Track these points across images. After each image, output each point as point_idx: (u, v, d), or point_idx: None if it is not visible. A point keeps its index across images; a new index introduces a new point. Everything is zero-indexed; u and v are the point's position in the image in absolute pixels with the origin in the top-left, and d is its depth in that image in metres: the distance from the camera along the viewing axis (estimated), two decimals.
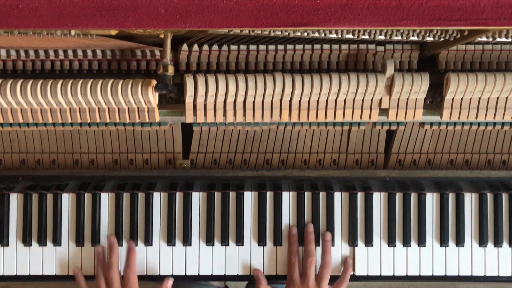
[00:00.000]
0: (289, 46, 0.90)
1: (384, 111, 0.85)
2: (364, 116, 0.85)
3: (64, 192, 1.05)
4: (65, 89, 0.79)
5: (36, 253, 1.04)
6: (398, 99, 0.83)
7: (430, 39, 0.80)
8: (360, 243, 1.05)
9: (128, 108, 0.83)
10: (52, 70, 0.91)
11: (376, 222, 1.05)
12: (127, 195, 1.05)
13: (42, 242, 1.04)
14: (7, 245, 1.05)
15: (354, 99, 0.83)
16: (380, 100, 0.84)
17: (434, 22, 0.68)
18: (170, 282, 1.02)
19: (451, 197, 1.05)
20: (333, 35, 0.79)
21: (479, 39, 0.81)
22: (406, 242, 1.04)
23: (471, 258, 1.05)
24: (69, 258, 1.05)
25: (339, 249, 1.05)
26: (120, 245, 1.04)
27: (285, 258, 1.04)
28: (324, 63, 0.91)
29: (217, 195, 1.05)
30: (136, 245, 1.04)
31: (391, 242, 1.04)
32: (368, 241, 1.04)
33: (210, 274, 1.05)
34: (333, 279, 1.03)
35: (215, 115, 0.84)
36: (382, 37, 0.80)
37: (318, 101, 0.83)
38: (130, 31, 0.77)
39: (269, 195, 1.05)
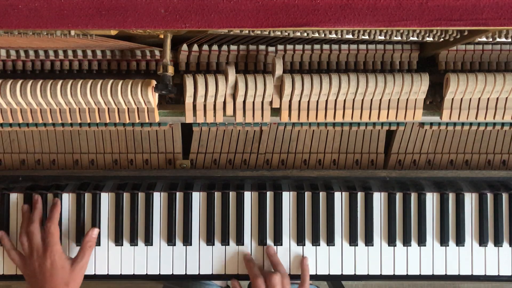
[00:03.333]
0: (289, 46, 0.90)
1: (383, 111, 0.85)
2: (364, 116, 0.85)
3: (64, 192, 1.05)
4: (65, 89, 0.79)
5: None
6: (398, 99, 0.83)
7: (430, 39, 0.80)
8: (361, 243, 1.05)
9: (128, 108, 0.83)
10: (52, 70, 0.91)
11: (376, 222, 1.05)
12: (127, 195, 1.05)
13: None
14: None
15: (354, 99, 0.83)
16: (381, 100, 0.84)
17: (434, 22, 0.68)
18: (95, 231, 1.02)
19: (451, 197, 1.05)
20: (333, 35, 0.79)
21: (479, 39, 0.81)
22: (406, 242, 1.05)
23: (472, 257, 1.05)
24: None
25: (339, 248, 1.05)
26: (120, 244, 1.04)
27: (285, 258, 1.04)
28: (324, 63, 0.91)
29: (217, 195, 1.05)
30: (136, 245, 1.04)
31: (391, 241, 1.04)
32: (368, 241, 1.04)
33: (211, 273, 1.05)
34: (332, 278, 1.03)
35: (215, 116, 0.84)
36: (382, 37, 0.80)
37: (318, 101, 0.83)
38: (130, 31, 0.77)
39: (269, 195, 1.05)
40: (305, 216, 1.05)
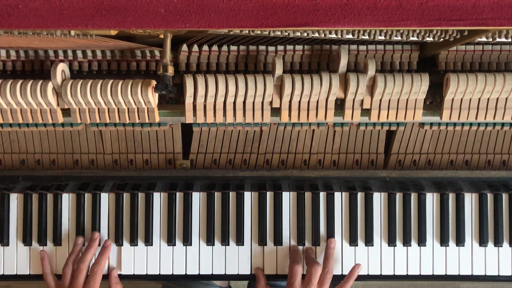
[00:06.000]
0: (289, 46, 0.90)
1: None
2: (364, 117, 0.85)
3: (64, 192, 1.05)
4: (65, 89, 0.79)
5: (36, 252, 1.05)
6: (398, 99, 0.83)
7: (430, 39, 0.80)
8: (361, 243, 1.05)
9: (128, 108, 0.83)
10: None
11: (376, 222, 1.05)
12: (127, 195, 1.05)
13: (42, 241, 1.05)
14: (7, 244, 1.05)
15: (354, 99, 0.83)
16: (381, 100, 0.84)
17: (434, 22, 0.68)
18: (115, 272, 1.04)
19: (451, 197, 1.05)
20: (333, 35, 0.79)
21: (479, 39, 0.81)
22: (406, 242, 1.05)
23: (472, 257, 1.05)
24: None
25: (339, 248, 1.05)
26: (121, 244, 1.04)
27: (285, 258, 1.04)
28: (324, 63, 0.91)
29: (217, 195, 1.05)
30: (136, 245, 1.04)
31: (391, 241, 1.05)
32: (368, 241, 1.04)
33: (211, 273, 1.05)
34: (332, 277, 1.03)
35: (215, 116, 0.84)
36: (382, 37, 0.80)
37: (318, 101, 0.83)
38: (130, 31, 0.77)
39: (269, 195, 1.05)
40: (305, 216, 1.05)
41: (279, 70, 0.80)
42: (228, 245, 1.05)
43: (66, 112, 0.84)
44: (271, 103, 0.83)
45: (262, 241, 1.05)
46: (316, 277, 0.97)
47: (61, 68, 0.81)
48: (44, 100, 0.80)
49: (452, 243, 1.05)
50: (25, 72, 0.91)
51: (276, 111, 0.85)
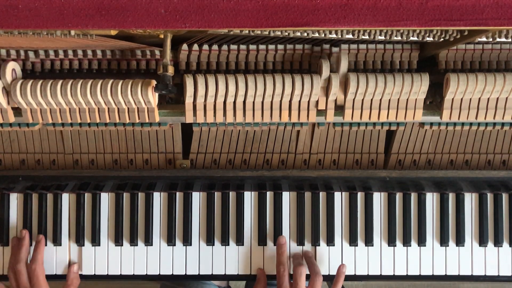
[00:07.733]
0: (289, 46, 0.90)
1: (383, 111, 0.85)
2: (364, 116, 0.85)
3: (64, 192, 1.05)
4: (65, 89, 0.79)
5: None
6: (398, 99, 0.83)
7: (430, 39, 0.80)
8: (360, 243, 1.05)
9: (128, 108, 0.83)
10: (52, 70, 0.91)
11: (376, 222, 1.05)
12: (127, 195, 1.05)
13: None
14: (7, 245, 1.05)
15: (354, 99, 0.83)
16: (381, 100, 0.84)
17: (434, 22, 0.68)
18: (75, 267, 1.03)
19: (451, 197, 1.05)
20: (333, 35, 0.79)
21: (479, 39, 0.81)
22: (406, 242, 1.05)
23: (471, 257, 1.05)
24: (69, 257, 1.05)
25: (339, 248, 1.05)
26: (120, 244, 1.04)
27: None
28: None
29: (217, 195, 1.05)
30: (136, 245, 1.04)
31: (391, 241, 1.04)
32: (368, 241, 1.04)
33: (211, 273, 1.05)
34: (333, 278, 1.03)
35: (215, 116, 0.84)
36: (382, 37, 0.80)
37: (317, 101, 0.83)
38: (130, 31, 0.77)
39: (269, 195, 1.05)
40: (305, 216, 1.05)
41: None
42: (228, 245, 1.05)
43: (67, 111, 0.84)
44: (271, 103, 0.83)
45: (262, 241, 1.05)
46: (302, 279, 0.98)
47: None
48: (44, 100, 0.80)
49: (452, 243, 1.05)
50: (25, 72, 0.91)
51: (276, 111, 0.85)
